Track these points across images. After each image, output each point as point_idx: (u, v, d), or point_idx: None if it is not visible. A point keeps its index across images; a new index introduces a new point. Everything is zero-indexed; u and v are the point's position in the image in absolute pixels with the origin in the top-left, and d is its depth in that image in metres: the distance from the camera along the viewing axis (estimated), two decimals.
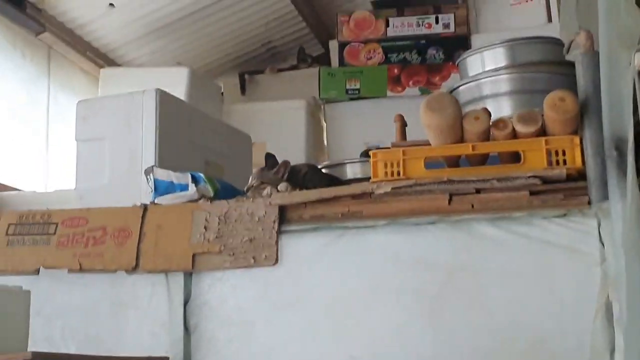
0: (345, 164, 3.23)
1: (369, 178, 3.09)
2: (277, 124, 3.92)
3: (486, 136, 1.81)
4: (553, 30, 3.58)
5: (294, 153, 3.19)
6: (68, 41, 3.62)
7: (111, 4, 3.62)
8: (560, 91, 1.73)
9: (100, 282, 1.89)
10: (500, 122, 1.79)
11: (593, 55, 1.71)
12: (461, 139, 1.83)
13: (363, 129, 3.89)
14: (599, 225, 1.65)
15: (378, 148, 3.23)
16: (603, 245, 1.63)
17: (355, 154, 3.68)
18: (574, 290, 1.65)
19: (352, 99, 3.86)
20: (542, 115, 1.76)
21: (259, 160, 3.43)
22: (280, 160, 2.10)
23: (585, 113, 1.70)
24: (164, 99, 2.47)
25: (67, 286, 1.91)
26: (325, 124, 4.18)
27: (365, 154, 3.53)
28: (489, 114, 1.83)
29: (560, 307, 1.65)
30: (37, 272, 1.88)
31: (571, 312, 1.64)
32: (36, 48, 3.46)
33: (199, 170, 2.16)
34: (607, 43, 1.63)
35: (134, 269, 1.83)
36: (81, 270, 1.86)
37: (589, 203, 1.67)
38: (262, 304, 1.81)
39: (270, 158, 2.09)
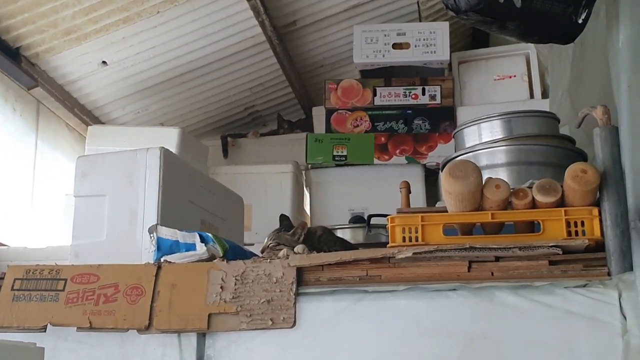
0: (336, 229, 3.25)
1: (363, 244, 3.14)
2: (263, 188, 3.92)
3: (505, 205, 1.83)
4: (535, 105, 3.70)
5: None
6: (57, 97, 3.60)
7: (104, 62, 3.62)
8: (582, 163, 1.77)
9: (108, 342, 1.83)
10: (520, 192, 1.82)
11: (611, 129, 1.76)
12: (479, 207, 1.85)
13: (348, 195, 3.91)
14: (620, 296, 1.67)
15: (372, 215, 3.27)
16: (624, 317, 1.65)
17: (339, 219, 3.70)
18: None
19: (338, 165, 3.87)
20: (562, 186, 1.80)
21: (247, 222, 3.45)
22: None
23: (604, 185, 1.74)
24: (168, 158, 2.45)
25: (73, 345, 1.84)
26: (307, 189, 4.19)
27: (355, 220, 3.57)
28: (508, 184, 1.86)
29: None
30: (44, 329, 1.82)
31: None
32: (26, 102, 3.43)
33: (196, 230, 2.14)
34: (629, 118, 1.68)
35: (147, 328, 1.79)
36: (91, 328, 1.80)
37: (609, 274, 1.70)
38: None
39: (285, 219, 2.09)
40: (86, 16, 3.31)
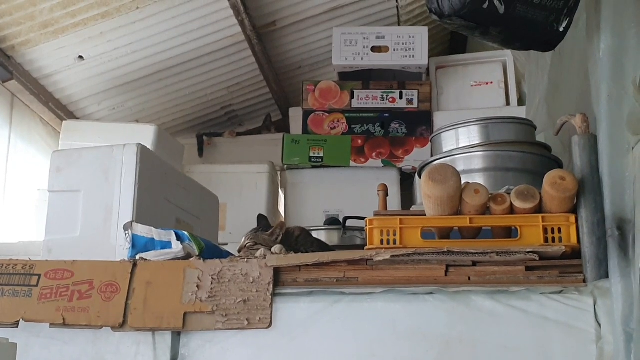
0: (311, 230, 3.24)
1: (338, 246, 3.14)
2: (238, 187, 3.90)
3: (483, 210, 1.84)
4: (511, 113, 3.72)
5: (254, 217, 3.16)
6: (32, 91, 3.56)
7: (80, 57, 3.58)
8: (561, 170, 1.78)
9: (81, 339, 1.80)
10: (498, 197, 1.82)
11: (590, 137, 1.78)
12: (457, 211, 1.85)
13: (323, 197, 3.90)
14: (595, 303, 1.68)
15: (347, 217, 3.28)
16: (599, 323, 1.67)
17: (314, 221, 3.69)
18: None
19: (314, 167, 3.87)
20: (540, 192, 1.81)
21: (221, 222, 3.43)
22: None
23: (581, 193, 1.75)
24: (144, 154, 2.43)
25: (46, 341, 1.81)
26: (283, 190, 4.18)
27: (330, 222, 3.56)
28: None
29: None
30: (17, 325, 1.79)
31: None
32: (0, 95, 3.39)
33: (171, 228, 2.13)
34: (608, 126, 1.69)
35: (121, 325, 1.77)
36: (65, 324, 1.77)
37: (584, 281, 1.71)
38: None
39: (262, 219, 2.08)
40: (64, 10, 3.27)
